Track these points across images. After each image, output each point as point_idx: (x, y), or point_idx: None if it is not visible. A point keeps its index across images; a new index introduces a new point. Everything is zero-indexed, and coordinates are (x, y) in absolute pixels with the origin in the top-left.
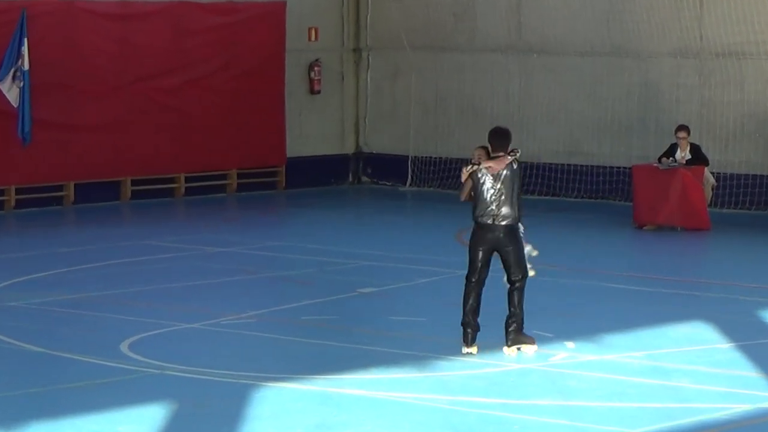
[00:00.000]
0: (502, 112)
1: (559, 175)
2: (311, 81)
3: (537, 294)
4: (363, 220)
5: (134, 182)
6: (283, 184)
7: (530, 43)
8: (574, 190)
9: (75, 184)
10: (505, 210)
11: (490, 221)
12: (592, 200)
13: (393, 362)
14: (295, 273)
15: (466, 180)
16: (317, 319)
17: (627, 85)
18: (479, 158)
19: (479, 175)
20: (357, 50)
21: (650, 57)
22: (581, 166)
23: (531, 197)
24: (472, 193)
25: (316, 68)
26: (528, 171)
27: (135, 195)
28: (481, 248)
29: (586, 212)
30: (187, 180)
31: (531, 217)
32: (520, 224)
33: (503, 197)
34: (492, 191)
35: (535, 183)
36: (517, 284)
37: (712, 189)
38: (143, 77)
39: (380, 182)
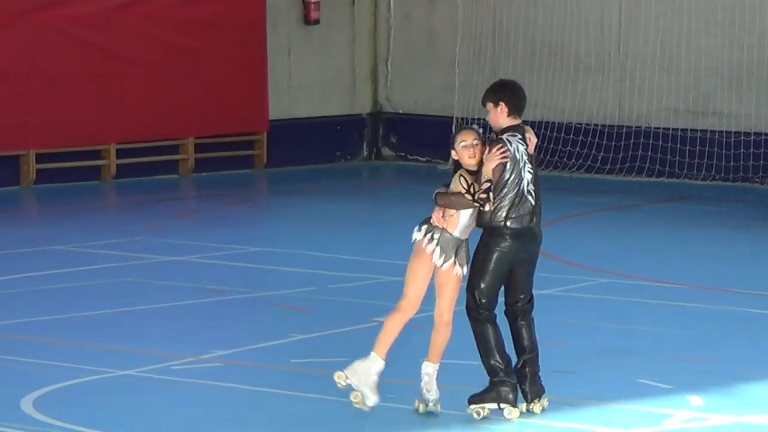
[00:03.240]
0: (593, 53)
1: (679, 146)
2: (306, 6)
3: (645, 325)
4: (383, 214)
5: (40, 158)
6: (264, 160)
7: None
8: (701, 169)
9: None
10: None
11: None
12: (729, 183)
13: (430, 426)
14: (283, 293)
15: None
16: (315, 363)
17: None
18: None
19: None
20: None
21: None
22: (712, 132)
23: (636, 179)
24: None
25: None
26: (632, 139)
27: (42, 177)
28: None
29: (719, 201)
30: (120, 154)
31: (636, 209)
32: None
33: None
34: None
35: (643, 158)
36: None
37: None
38: (52, 2)
39: (410, 157)
